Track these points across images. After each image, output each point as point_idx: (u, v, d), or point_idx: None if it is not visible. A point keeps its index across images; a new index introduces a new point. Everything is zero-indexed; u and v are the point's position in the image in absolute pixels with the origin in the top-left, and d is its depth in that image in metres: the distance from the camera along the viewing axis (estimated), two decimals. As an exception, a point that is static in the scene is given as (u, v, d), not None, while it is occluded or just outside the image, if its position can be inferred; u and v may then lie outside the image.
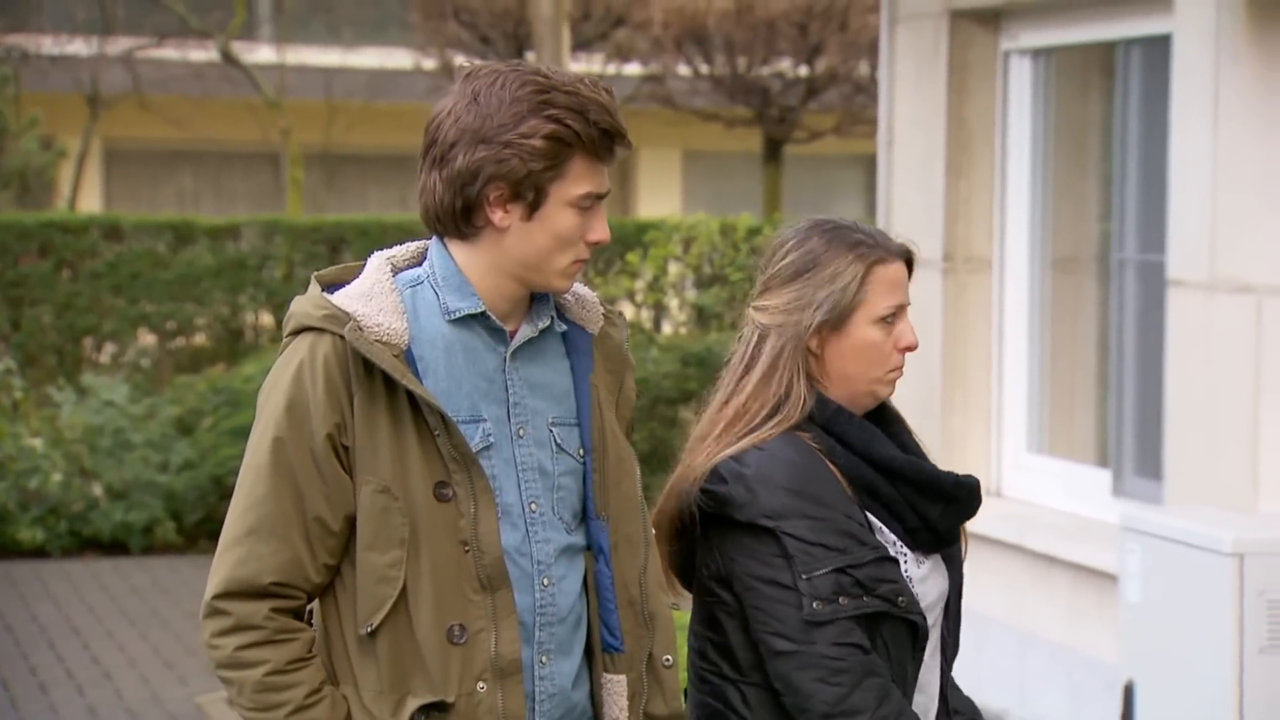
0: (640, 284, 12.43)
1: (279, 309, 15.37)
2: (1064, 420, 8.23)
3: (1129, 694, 6.26)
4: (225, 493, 11.96)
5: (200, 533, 12.21)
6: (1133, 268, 7.59)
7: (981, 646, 7.66)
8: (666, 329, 13.18)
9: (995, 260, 8.23)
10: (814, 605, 3.19)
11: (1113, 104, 7.84)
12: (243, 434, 12.04)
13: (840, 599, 3.20)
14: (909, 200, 8.40)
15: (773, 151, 18.55)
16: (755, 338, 3.35)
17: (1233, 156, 6.65)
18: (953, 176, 8.22)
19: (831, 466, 3.29)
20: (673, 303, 12.86)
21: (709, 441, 3.32)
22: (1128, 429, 7.58)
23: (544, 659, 3.17)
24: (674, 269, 12.41)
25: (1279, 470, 6.45)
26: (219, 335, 15.57)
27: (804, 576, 3.19)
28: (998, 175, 8.23)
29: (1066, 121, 8.21)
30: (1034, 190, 8.19)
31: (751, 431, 3.29)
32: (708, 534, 3.31)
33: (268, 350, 14.61)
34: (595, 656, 3.23)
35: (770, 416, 3.29)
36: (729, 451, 3.27)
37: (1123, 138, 7.66)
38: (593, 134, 3.13)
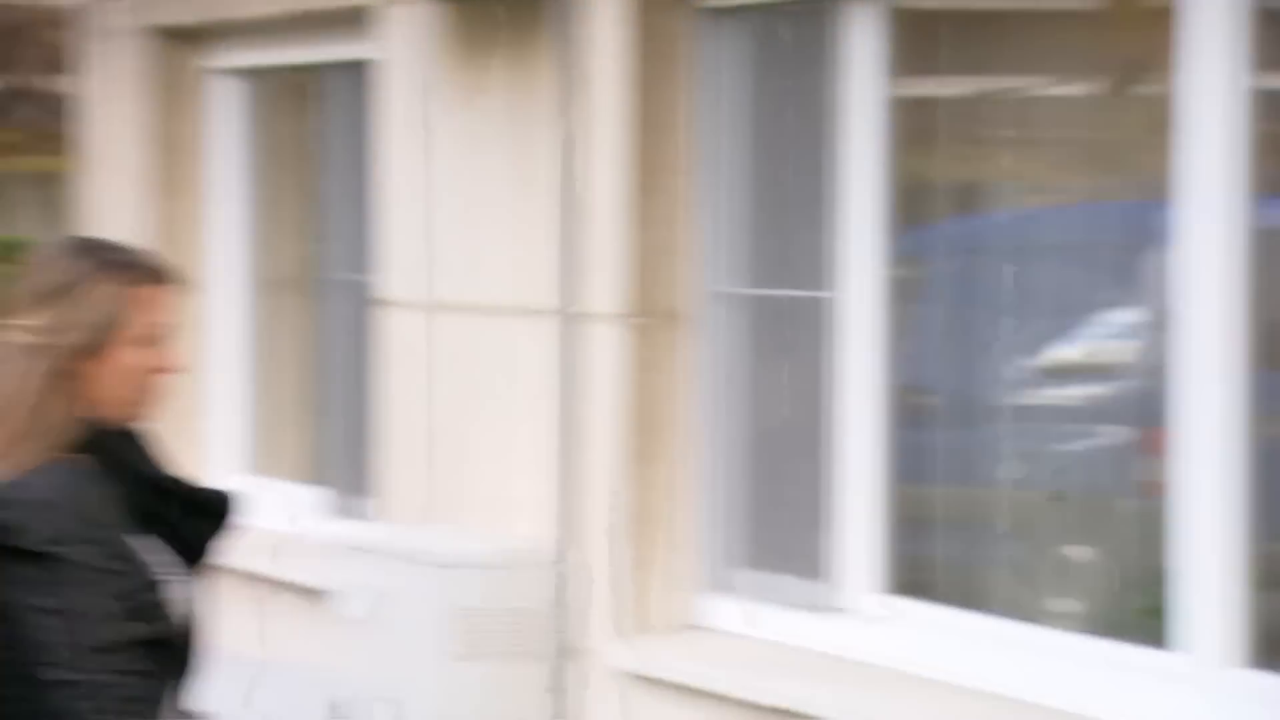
0: None
1: None
2: (278, 441, 8.26)
3: (340, 711, 6.38)
4: None
5: None
6: (342, 288, 7.68)
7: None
8: None
9: (206, 281, 8.18)
10: (99, 632, 3.14)
11: (319, 126, 7.92)
12: None
13: (123, 624, 3.16)
14: (112, 222, 8.23)
15: (-48, 168, 17.89)
16: (13, 358, 3.25)
17: (438, 179, 6.82)
18: (166, 197, 8.14)
19: (103, 489, 3.24)
20: None
21: None
22: (342, 448, 7.68)
23: None
24: None
25: (484, 485, 6.65)
26: None
27: (89, 602, 3.14)
28: (206, 196, 8.19)
29: (276, 142, 8.24)
30: (245, 211, 8.18)
31: (20, 456, 3.19)
32: None
33: None
34: None
35: (39, 440, 3.20)
36: None
37: (328, 160, 7.75)
38: None
